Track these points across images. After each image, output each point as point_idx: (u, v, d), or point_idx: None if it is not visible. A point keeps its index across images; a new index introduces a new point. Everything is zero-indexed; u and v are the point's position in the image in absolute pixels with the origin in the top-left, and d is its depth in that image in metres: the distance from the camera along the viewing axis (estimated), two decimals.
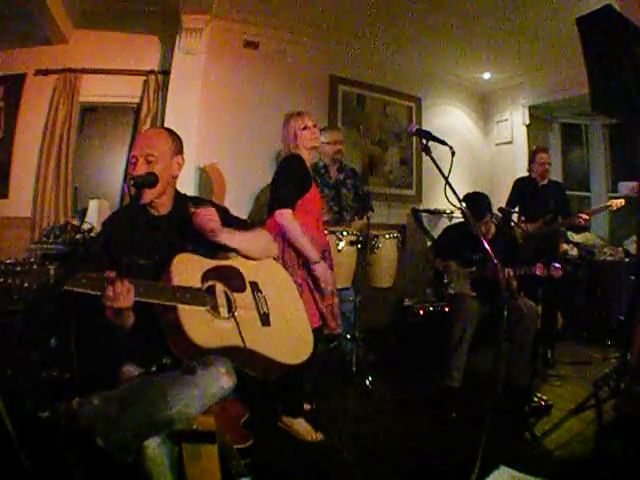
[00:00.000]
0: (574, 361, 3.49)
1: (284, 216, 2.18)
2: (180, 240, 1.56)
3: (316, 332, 1.99)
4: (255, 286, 1.63)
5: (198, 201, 1.73)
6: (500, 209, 3.41)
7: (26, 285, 1.12)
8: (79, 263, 1.28)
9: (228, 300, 1.51)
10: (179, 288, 1.38)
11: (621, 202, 3.49)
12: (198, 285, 1.46)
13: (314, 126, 2.41)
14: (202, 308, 1.41)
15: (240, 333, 1.44)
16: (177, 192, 1.67)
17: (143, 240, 1.54)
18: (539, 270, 2.68)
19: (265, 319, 1.56)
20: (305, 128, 2.37)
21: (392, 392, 2.84)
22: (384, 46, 4.62)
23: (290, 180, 2.26)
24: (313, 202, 2.34)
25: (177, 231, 1.58)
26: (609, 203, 3.55)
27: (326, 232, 2.74)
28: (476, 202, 2.86)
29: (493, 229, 2.98)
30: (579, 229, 3.92)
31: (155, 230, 1.57)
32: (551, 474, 1.82)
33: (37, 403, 1.89)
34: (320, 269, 2.21)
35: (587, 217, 3.51)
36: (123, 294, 1.25)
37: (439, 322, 3.46)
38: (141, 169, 1.51)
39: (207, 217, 1.57)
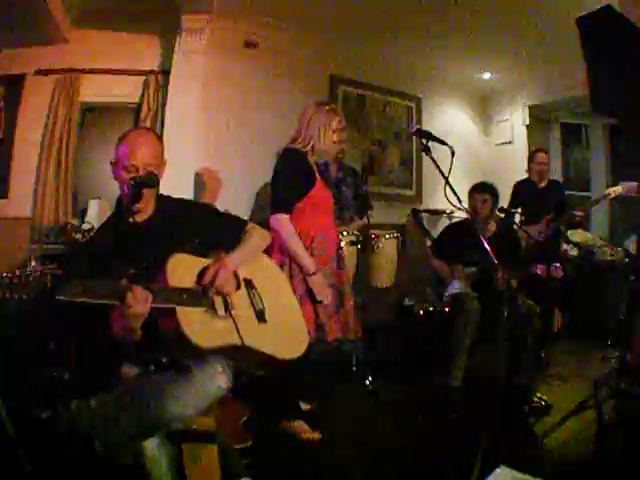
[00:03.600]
0: (574, 361, 3.49)
1: (278, 222, 2.04)
2: (166, 243, 1.51)
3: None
4: (249, 283, 1.62)
5: (182, 203, 1.70)
6: (501, 209, 3.41)
7: (24, 297, 1.11)
8: (70, 276, 1.25)
9: (224, 298, 1.51)
10: (176, 289, 1.38)
11: (618, 189, 3.50)
12: (194, 285, 1.45)
13: (341, 130, 2.19)
14: (199, 309, 1.40)
15: (238, 331, 1.43)
16: (159, 195, 1.63)
17: (127, 250, 1.48)
18: (540, 270, 2.68)
19: (261, 316, 1.56)
20: (334, 131, 2.17)
21: (392, 392, 2.84)
22: (384, 46, 4.62)
23: (285, 180, 2.10)
24: (320, 199, 2.16)
25: (162, 234, 1.54)
26: (607, 192, 3.56)
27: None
28: (482, 182, 3.05)
29: (494, 227, 3.00)
30: (577, 226, 3.94)
31: (138, 237, 1.52)
32: (551, 474, 1.82)
33: (37, 403, 1.89)
34: (316, 281, 2.04)
35: (582, 213, 3.52)
36: (142, 300, 1.25)
37: (439, 322, 3.46)
38: None
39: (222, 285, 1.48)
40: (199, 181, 3.80)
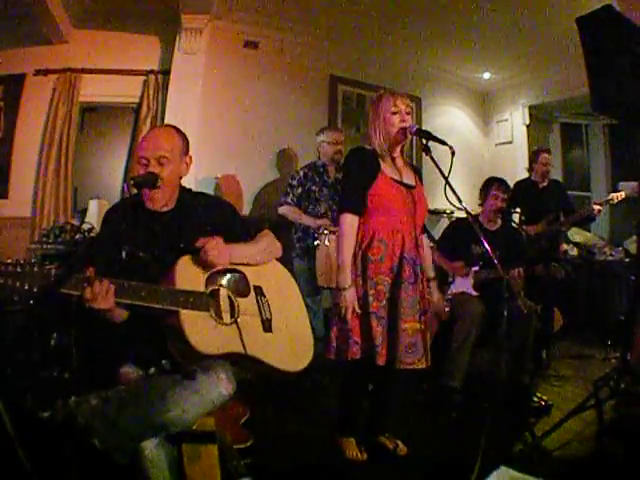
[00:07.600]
0: (574, 361, 3.49)
1: (340, 221, 1.92)
2: (181, 236, 1.54)
3: (351, 364, 1.88)
4: (259, 290, 1.61)
5: (204, 197, 1.72)
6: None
7: (26, 287, 1.12)
8: (78, 263, 1.27)
9: (231, 305, 1.50)
10: (182, 292, 1.37)
11: (621, 194, 3.50)
12: (202, 289, 1.44)
13: (407, 114, 1.90)
14: (204, 313, 1.40)
15: (241, 339, 1.43)
16: (182, 188, 1.66)
17: (143, 232, 1.52)
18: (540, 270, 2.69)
19: (267, 325, 1.55)
20: (395, 113, 1.89)
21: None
22: (384, 46, 4.62)
23: (347, 179, 2.01)
24: (382, 197, 1.89)
25: (179, 227, 1.57)
26: (609, 197, 3.56)
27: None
28: (504, 180, 3.08)
29: (500, 222, 3.02)
30: (589, 221, 3.94)
31: (156, 224, 1.56)
32: (551, 474, 1.82)
33: (37, 403, 1.89)
34: (342, 299, 1.83)
35: (601, 207, 3.50)
36: (101, 295, 1.24)
37: (439, 322, 3.45)
38: (154, 170, 1.49)
39: (212, 253, 1.46)
40: (219, 187, 3.82)
